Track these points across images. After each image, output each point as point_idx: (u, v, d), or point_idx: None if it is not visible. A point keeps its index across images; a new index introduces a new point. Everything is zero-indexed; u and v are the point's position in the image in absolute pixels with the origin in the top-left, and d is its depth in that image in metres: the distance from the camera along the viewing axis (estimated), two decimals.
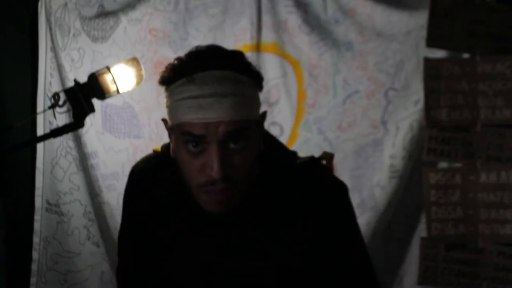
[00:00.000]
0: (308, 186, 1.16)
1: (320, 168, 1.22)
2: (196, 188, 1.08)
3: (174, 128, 1.10)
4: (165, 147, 1.22)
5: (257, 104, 1.12)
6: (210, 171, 1.03)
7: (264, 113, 1.16)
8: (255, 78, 1.10)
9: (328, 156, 1.26)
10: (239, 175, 1.06)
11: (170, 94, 1.09)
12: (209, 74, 1.04)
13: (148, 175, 1.25)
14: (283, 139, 2.13)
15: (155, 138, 2.30)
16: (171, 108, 1.09)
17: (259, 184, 1.14)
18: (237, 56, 1.10)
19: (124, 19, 2.29)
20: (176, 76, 1.07)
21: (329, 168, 1.26)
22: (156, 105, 2.28)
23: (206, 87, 1.03)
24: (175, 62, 1.09)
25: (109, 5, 2.31)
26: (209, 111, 1.02)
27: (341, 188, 1.20)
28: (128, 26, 2.29)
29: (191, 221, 1.17)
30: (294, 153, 1.23)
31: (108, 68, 1.46)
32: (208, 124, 1.03)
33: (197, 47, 1.10)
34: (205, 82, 1.03)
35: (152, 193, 1.22)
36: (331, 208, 1.15)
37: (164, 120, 1.16)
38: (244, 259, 1.15)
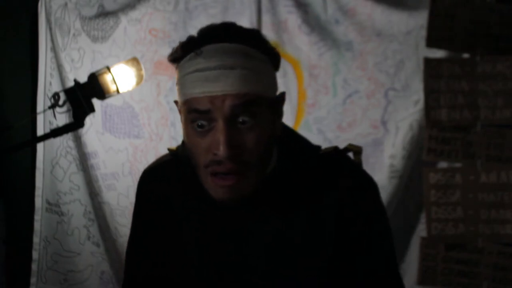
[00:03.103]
0: (331, 179, 1.06)
1: (345, 160, 1.12)
2: (203, 172, 1.01)
3: (182, 107, 1.03)
4: (181, 145, 1.16)
5: (271, 82, 1.04)
6: (217, 150, 0.96)
7: (282, 95, 1.08)
8: (270, 56, 1.04)
9: (354, 149, 1.16)
10: (248, 156, 0.98)
11: (179, 71, 1.03)
12: (217, 47, 0.99)
13: (159, 173, 1.18)
14: None
15: (155, 138, 2.30)
16: (179, 85, 1.03)
17: (276, 175, 1.06)
18: (250, 32, 1.04)
19: (124, 19, 2.29)
20: (184, 51, 1.02)
21: (356, 161, 1.16)
22: (156, 105, 2.28)
23: (213, 59, 0.97)
24: (185, 39, 1.04)
25: (109, 5, 2.31)
26: (214, 83, 0.96)
27: (370, 184, 1.10)
28: (128, 26, 2.29)
29: (203, 214, 1.09)
30: (316, 146, 1.14)
31: (108, 68, 1.46)
32: (213, 98, 0.96)
33: (211, 24, 1.04)
34: (212, 55, 0.98)
35: (163, 191, 1.15)
36: (357, 205, 1.05)
37: (176, 102, 1.09)
38: (258, 254, 1.07)
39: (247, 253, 1.07)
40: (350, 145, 1.16)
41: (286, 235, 1.05)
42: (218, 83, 0.96)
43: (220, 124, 0.97)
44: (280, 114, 1.08)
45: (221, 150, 0.95)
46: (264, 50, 1.03)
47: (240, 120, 0.97)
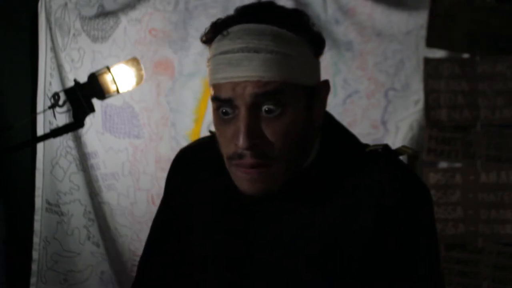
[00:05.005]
0: (376, 179, 0.95)
1: (396, 161, 0.99)
2: (227, 163, 0.94)
3: (210, 91, 0.95)
4: None
5: (307, 67, 0.93)
6: (237, 140, 0.89)
7: (326, 82, 0.98)
8: (310, 39, 0.94)
9: (410, 152, 1.02)
10: (272, 148, 0.90)
11: (209, 53, 0.95)
12: (244, 27, 0.90)
13: (193, 155, 1.10)
14: None
15: (155, 138, 2.30)
16: (208, 68, 0.95)
17: (314, 169, 0.97)
18: (286, 11, 0.94)
19: (124, 19, 2.29)
20: (214, 32, 0.94)
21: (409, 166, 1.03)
22: (156, 105, 2.28)
23: (237, 40, 0.89)
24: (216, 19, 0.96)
25: (109, 5, 2.31)
26: (236, 68, 0.88)
27: (422, 192, 0.96)
28: (128, 26, 2.29)
29: (229, 204, 1.01)
30: (363, 143, 1.04)
31: (108, 68, 1.47)
32: (235, 85, 0.88)
33: (247, 3, 0.95)
34: (237, 36, 0.89)
35: (194, 174, 1.08)
36: (403, 213, 0.93)
37: None
38: (282, 250, 0.97)
39: (271, 248, 0.99)
40: (404, 147, 1.04)
41: (315, 234, 0.96)
42: (240, 68, 0.88)
43: (241, 113, 0.89)
44: (321, 102, 0.98)
45: (241, 141, 0.88)
46: (302, 32, 0.93)
47: (266, 109, 0.89)
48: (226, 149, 0.93)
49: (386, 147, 1.00)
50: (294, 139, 0.92)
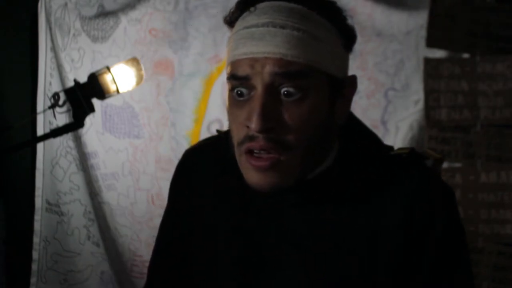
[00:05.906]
0: (401, 184, 0.89)
1: (422, 164, 0.94)
2: (238, 151, 0.86)
3: (227, 71, 0.88)
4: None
5: (337, 57, 0.87)
6: (250, 122, 0.82)
7: (353, 78, 0.91)
8: (342, 29, 0.88)
9: (436, 156, 0.97)
10: (288, 136, 0.82)
11: (231, 32, 0.89)
12: (272, 4, 0.85)
13: (197, 156, 1.04)
14: None
15: (155, 138, 2.30)
16: (228, 47, 0.89)
17: (333, 171, 0.90)
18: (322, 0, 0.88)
19: (124, 19, 2.29)
20: (240, 10, 0.88)
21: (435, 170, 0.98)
22: (156, 105, 2.28)
23: (263, 16, 0.83)
24: None
25: (109, 5, 2.31)
26: (258, 42, 0.82)
27: (449, 194, 0.92)
28: (128, 26, 2.29)
29: (236, 203, 0.96)
30: (387, 145, 0.98)
31: (108, 68, 1.47)
32: (254, 61, 0.82)
33: None
34: (264, 11, 0.84)
35: (198, 175, 1.02)
36: (436, 220, 0.88)
37: None
38: (290, 252, 0.92)
39: (279, 247, 0.93)
40: (430, 151, 1.01)
41: (325, 233, 0.90)
42: (262, 42, 0.82)
43: (258, 92, 0.82)
44: (345, 99, 0.90)
45: (254, 122, 0.81)
46: (333, 19, 0.87)
47: (285, 92, 0.82)
48: (238, 135, 0.86)
49: (412, 151, 0.94)
50: (314, 127, 0.84)
